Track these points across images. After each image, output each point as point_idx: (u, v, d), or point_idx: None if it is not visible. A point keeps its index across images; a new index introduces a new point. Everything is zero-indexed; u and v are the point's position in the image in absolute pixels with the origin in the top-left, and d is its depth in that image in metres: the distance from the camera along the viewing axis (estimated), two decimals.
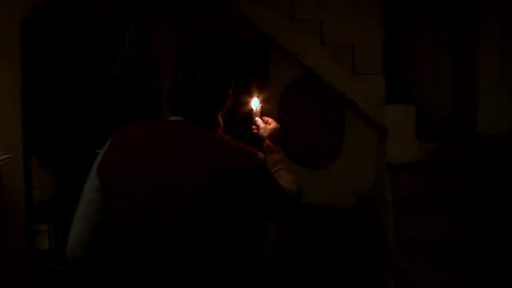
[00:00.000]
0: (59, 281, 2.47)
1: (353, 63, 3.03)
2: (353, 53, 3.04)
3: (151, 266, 1.15)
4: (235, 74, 1.35)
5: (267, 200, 1.25)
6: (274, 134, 1.59)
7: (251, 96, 1.67)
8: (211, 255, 1.17)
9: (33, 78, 2.39)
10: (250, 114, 1.65)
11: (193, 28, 3.73)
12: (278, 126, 1.62)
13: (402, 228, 2.64)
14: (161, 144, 1.20)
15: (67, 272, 1.35)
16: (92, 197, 1.25)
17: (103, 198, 1.23)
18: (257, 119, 1.64)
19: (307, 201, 3.60)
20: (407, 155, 2.85)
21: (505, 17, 3.13)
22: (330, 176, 3.67)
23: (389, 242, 2.74)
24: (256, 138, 1.60)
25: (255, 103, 1.66)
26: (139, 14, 3.24)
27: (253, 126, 1.64)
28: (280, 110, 3.75)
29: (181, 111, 1.28)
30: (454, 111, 3.49)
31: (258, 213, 1.25)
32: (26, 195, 2.38)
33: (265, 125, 1.62)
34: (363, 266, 3.23)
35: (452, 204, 2.70)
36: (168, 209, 1.15)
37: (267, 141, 1.57)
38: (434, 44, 3.52)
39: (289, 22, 3.05)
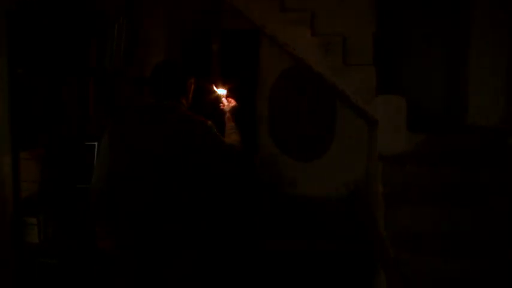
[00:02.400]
0: (48, 274, 2.46)
1: (344, 54, 3.02)
2: (344, 43, 3.03)
3: (145, 193, 1.89)
4: (192, 74, 2.09)
5: (212, 150, 1.94)
6: (233, 109, 2.33)
7: (218, 87, 2.43)
8: (180, 187, 1.90)
9: (20, 70, 2.34)
10: (219, 97, 2.41)
11: (184, 18, 3.69)
12: (237, 104, 2.36)
13: (393, 219, 2.66)
14: (146, 117, 1.97)
15: (89, 205, 2.06)
16: (106, 152, 1.98)
17: (111, 153, 1.96)
18: (223, 100, 2.39)
19: (299, 192, 3.65)
20: (398, 146, 2.86)
21: (496, 8, 3.13)
22: (321, 168, 3.67)
23: (380, 233, 2.76)
24: (223, 112, 2.36)
25: (222, 91, 2.42)
26: (129, 4, 3.20)
27: (221, 105, 2.39)
28: (270, 101, 3.74)
29: (157, 96, 2.02)
30: (445, 103, 3.50)
31: (208, 160, 1.94)
32: (14, 188, 2.35)
33: (228, 103, 2.36)
34: (353, 257, 3.25)
35: (443, 195, 2.72)
36: (152, 156, 1.88)
37: (228, 114, 2.32)
38: (426, 36, 3.52)
39: (280, 12, 3.03)
